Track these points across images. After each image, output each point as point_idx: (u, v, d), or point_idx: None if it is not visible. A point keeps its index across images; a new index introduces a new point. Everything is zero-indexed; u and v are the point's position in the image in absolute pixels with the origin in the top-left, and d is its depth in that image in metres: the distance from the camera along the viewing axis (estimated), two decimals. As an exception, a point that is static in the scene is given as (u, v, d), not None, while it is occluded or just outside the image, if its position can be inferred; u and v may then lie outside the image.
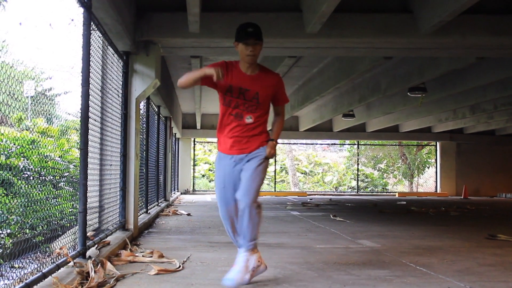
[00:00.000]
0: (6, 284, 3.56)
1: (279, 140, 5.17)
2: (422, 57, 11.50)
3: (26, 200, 6.30)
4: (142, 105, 9.61)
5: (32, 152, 6.70)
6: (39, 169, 7.18)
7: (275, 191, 29.80)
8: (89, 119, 5.23)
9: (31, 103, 6.19)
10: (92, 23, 5.31)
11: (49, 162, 6.98)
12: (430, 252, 6.74)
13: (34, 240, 4.52)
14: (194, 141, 28.52)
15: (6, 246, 6.21)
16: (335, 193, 31.06)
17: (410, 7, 7.94)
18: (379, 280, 4.91)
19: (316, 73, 14.38)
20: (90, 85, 5.23)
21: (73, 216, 5.77)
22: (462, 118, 19.87)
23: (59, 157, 7.45)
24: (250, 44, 4.50)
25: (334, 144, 36.40)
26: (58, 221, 5.67)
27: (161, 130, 15.00)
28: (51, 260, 4.33)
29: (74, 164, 7.48)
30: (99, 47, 6.16)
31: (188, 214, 12.48)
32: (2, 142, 7.51)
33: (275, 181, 31.52)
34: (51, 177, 7.15)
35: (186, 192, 25.98)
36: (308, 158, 38.96)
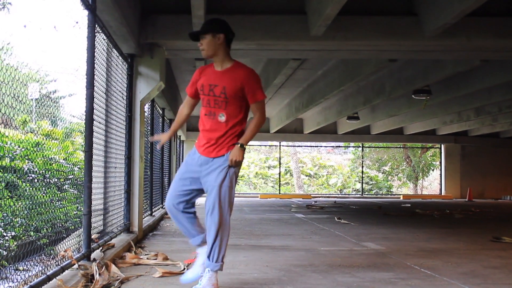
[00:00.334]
0: (11, 286, 3.58)
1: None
2: (427, 60, 11.49)
3: (30, 202, 6.32)
4: (146, 107, 9.62)
5: (36, 154, 6.71)
6: (43, 171, 7.19)
7: (279, 193, 29.79)
8: (94, 121, 5.24)
9: (36, 106, 6.21)
10: (96, 25, 5.33)
11: (53, 165, 7.00)
12: (435, 254, 6.73)
13: (38, 243, 4.53)
14: (198, 143, 28.47)
15: (10, 248, 6.22)
16: (340, 195, 31.05)
17: (415, 10, 7.93)
18: (384, 282, 4.90)
19: (321, 75, 14.37)
20: (95, 87, 5.24)
21: (77, 219, 5.78)
22: (466, 121, 19.82)
23: (63, 159, 7.46)
24: (199, 39, 4.41)
25: (339, 146, 36.39)
26: (63, 223, 5.68)
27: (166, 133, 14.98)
28: (55, 262, 4.34)
29: (78, 166, 7.49)
30: (103, 50, 6.17)
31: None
32: (6, 144, 7.53)
33: (279, 184, 31.54)
34: (56, 180, 7.17)
35: (190, 195, 25.92)
36: (312, 160, 38.92)
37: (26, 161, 7.52)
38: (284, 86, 14.90)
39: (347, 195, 31.29)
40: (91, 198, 5.09)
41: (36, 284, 3.70)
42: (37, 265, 5.37)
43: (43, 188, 6.87)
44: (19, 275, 4.03)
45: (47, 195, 5.16)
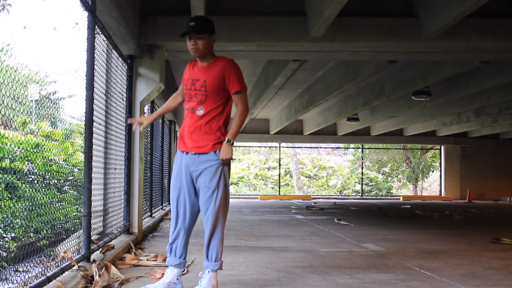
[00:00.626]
0: (10, 287, 3.57)
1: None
2: (427, 61, 11.50)
3: (30, 203, 6.31)
4: (146, 108, 9.62)
5: (36, 155, 6.70)
6: (43, 172, 7.18)
7: (279, 194, 29.80)
8: (94, 122, 5.24)
9: (36, 107, 6.21)
10: (96, 26, 5.33)
11: (53, 166, 6.99)
12: (435, 255, 6.73)
13: (38, 244, 4.53)
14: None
15: (10, 249, 6.21)
16: (340, 196, 31.05)
17: (415, 11, 7.94)
18: (384, 283, 4.90)
19: (321, 76, 14.38)
20: (95, 88, 5.24)
21: (77, 220, 5.77)
22: (466, 122, 19.84)
23: (63, 160, 7.46)
24: (192, 38, 4.39)
25: (339, 147, 36.38)
26: (63, 224, 5.68)
27: (166, 134, 15.01)
28: (55, 263, 4.33)
29: (78, 167, 7.48)
30: (103, 51, 6.17)
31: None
32: (6, 145, 7.52)
33: (279, 185, 31.53)
34: (56, 181, 7.16)
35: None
36: (312, 161, 38.91)
37: (26, 162, 7.51)
38: (284, 87, 14.89)
39: (347, 197, 31.30)
40: (91, 199, 5.09)
41: (36, 285, 3.70)
42: (37, 266, 5.36)
43: (43, 189, 6.87)
44: (19, 276, 4.02)
45: (47, 197, 5.15)
